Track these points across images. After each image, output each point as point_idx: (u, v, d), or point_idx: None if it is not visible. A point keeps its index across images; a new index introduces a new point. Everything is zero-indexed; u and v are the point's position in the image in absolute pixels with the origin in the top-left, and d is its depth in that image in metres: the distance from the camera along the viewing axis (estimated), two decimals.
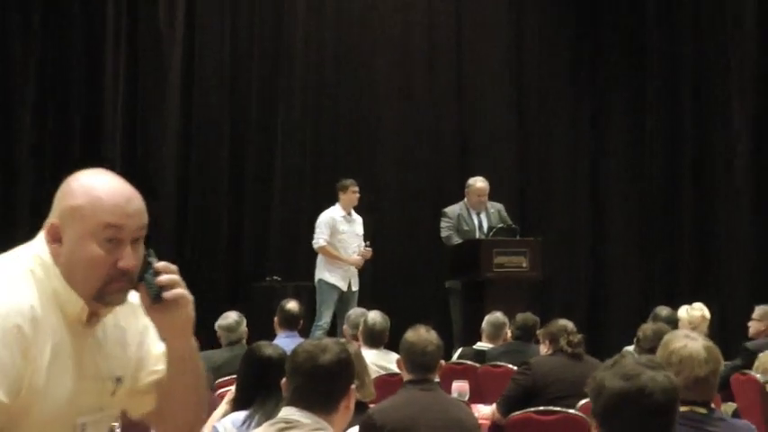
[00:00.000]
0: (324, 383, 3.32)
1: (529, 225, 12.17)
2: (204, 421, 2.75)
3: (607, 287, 13.23)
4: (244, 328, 7.83)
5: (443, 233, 10.84)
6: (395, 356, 5.83)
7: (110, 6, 12.05)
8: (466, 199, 10.97)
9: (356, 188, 11.04)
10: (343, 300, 10.82)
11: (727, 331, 10.93)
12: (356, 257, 10.93)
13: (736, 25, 12.81)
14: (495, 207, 10.96)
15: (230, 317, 7.85)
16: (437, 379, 5.23)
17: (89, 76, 12.06)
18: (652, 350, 5.74)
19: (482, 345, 8.74)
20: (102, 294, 2.36)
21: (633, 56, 13.55)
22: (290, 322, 8.35)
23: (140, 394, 2.55)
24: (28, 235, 2.46)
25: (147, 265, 2.38)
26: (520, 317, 8.48)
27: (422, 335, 5.12)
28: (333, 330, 10.51)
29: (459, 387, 6.25)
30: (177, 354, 2.48)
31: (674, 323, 8.03)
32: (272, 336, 8.07)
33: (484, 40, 13.40)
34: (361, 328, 7.60)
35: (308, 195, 12.59)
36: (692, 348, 3.99)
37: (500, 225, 10.79)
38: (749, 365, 7.61)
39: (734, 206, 12.81)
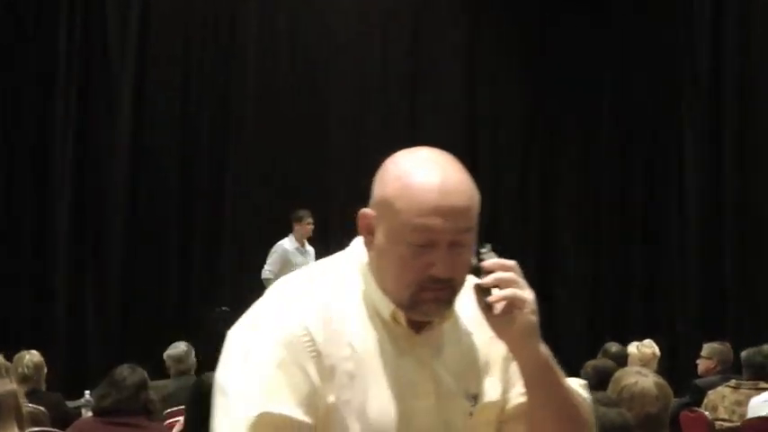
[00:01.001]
0: None
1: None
2: None
3: (556, 323, 13.24)
4: (193, 358, 7.77)
5: None
6: None
7: (61, 42, 11.89)
8: None
9: (311, 220, 11.07)
10: None
11: (674, 368, 10.97)
12: None
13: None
14: None
15: (179, 347, 7.78)
16: None
17: (39, 115, 11.86)
18: (595, 387, 5.76)
19: None
20: (413, 304, 1.96)
21: (586, 95, 13.66)
22: None
23: (512, 421, 2.10)
24: None
25: (479, 267, 2.01)
26: None
27: None
28: None
29: None
30: (523, 366, 2.04)
31: (623, 359, 8.05)
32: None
33: (438, 76, 13.44)
34: None
35: (258, 226, 12.53)
36: (643, 385, 4.02)
37: None
38: (698, 403, 7.65)
39: (683, 242, 12.89)
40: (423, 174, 1.97)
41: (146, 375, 5.28)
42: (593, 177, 13.56)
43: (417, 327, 2.02)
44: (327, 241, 12.38)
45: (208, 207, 12.60)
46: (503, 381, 2.10)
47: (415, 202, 1.94)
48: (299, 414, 1.90)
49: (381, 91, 13.34)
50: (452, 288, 1.98)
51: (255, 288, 11.64)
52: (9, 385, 4.76)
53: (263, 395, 1.90)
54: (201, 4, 12.79)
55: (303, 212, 11.09)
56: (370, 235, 2.02)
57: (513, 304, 1.99)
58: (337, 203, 12.88)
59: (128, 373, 5.15)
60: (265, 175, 12.82)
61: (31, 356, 7.22)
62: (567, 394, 2.07)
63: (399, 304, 1.97)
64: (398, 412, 1.97)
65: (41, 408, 6.42)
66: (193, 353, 7.81)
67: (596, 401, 2.91)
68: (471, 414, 2.05)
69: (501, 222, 13.32)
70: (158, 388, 7.06)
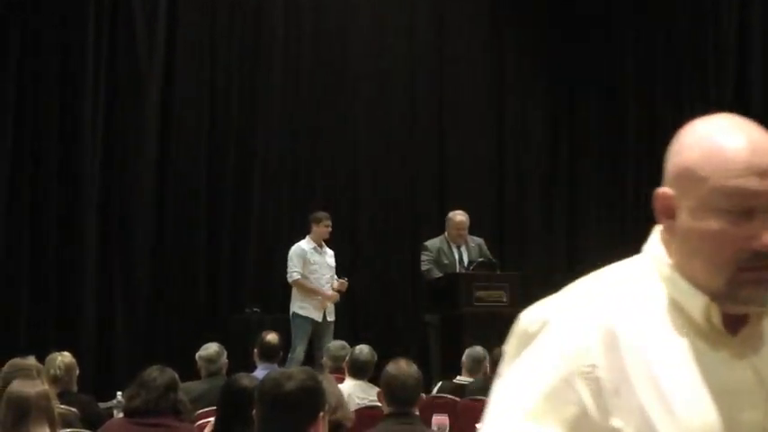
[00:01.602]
0: (288, 411, 3.28)
1: (506, 260, 12.16)
2: None
3: None
4: (224, 359, 7.79)
5: (424, 266, 10.82)
6: (377, 390, 5.81)
7: (89, 51, 11.92)
8: (446, 233, 10.95)
9: (329, 222, 11.07)
10: (318, 331, 10.80)
11: None
12: (332, 293, 10.92)
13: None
14: (476, 241, 10.95)
15: (211, 348, 7.80)
16: (417, 412, 5.20)
17: (65, 121, 11.88)
18: None
19: (462, 378, 8.70)
20: (732, 289, 1.66)
21: (610, 99, 13.65)
22: (270, 354, 8.31)
23: None
24: None
25: None
26: (498, 351, 8.46)
27: (402, 368, 5.10)
28: (309, 362, 10.46)
29: (439, 421, 6.21)
30: None
31: None
32: (251, 368, 8.02)
33: (465, 78, 13.47)
34: (347, 357, 7.69)
35: (284, 228, 12.55)
36: None
37: (480, 259, 10.77)
38: None
39: None
40: (727, 134, 1.70)
41: (175, 376, 5.30)
42: (620, 173, 13.54)
43: (733, 326, 1.72)
44: (358, 244, 12.42)
45: (235, 205, 12.62)
46: None
47: (724, 163, 1.66)
48: None
49: (408, 83, 13.37)
50: None
51: (282, 290, 11.71)
52: (40, 386, 4.78)
53: (519, 413, 1.71)
54: None
55: (322, 214, 11.12)
56: (670, 218, 1.74)
57: None
58: (366, 204, 12.90)
59: (157, 373, 5.17)
60: (294, 173, 12.85)
61: (63, 358, 7.24)
62: None
63: (714, 294, 1.69)
64: (720, 428, 1.68)
65: (73, 409, 6.45)
66: (225, 354, 7.84)
67: None
68: None
69: (528, 221, 13.33)
70: (189, 389, 7.09)
